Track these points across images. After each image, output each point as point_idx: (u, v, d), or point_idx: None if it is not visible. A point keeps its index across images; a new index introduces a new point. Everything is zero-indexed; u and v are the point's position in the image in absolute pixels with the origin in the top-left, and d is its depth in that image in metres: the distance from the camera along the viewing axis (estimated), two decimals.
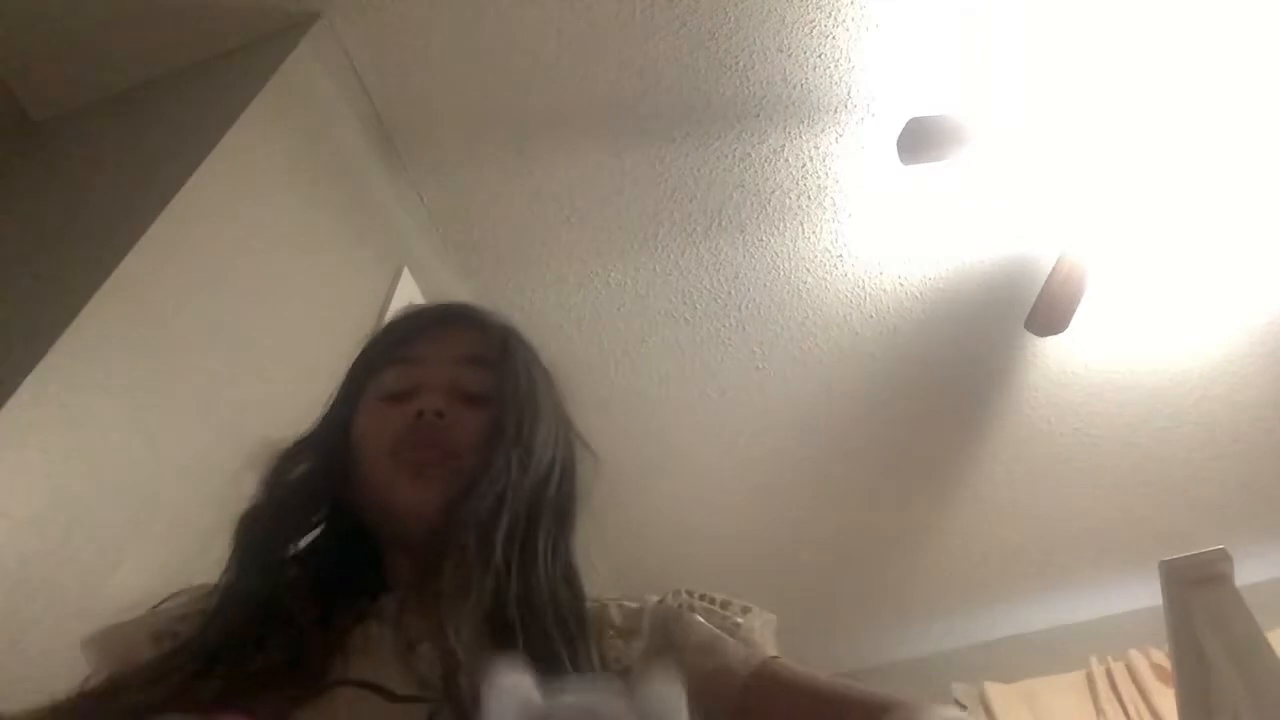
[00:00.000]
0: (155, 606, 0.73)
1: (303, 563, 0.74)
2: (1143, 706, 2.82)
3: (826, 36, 1.87)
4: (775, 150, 2.05)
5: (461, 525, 0.67)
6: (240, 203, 1.51)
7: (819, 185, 2.12)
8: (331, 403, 0.83)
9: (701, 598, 0.74)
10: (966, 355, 2.51)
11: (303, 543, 0.77)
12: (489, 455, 0.72)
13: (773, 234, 2.21)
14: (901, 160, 1.82)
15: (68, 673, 0.66)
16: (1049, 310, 2.08)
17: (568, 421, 0.83)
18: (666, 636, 0.68)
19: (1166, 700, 2.69)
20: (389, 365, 0.79)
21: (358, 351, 0.85)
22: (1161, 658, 2.84)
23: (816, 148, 2.05)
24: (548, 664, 0.61)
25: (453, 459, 0.73)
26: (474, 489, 0.70)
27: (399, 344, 0.81)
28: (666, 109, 1.97)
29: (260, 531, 0.74)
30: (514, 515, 0.70)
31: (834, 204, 2.16)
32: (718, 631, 0.69)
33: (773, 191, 2.13)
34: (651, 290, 2.31)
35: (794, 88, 1.95)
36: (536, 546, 0.71)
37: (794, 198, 2.14)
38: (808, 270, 2.29)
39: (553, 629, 0.65)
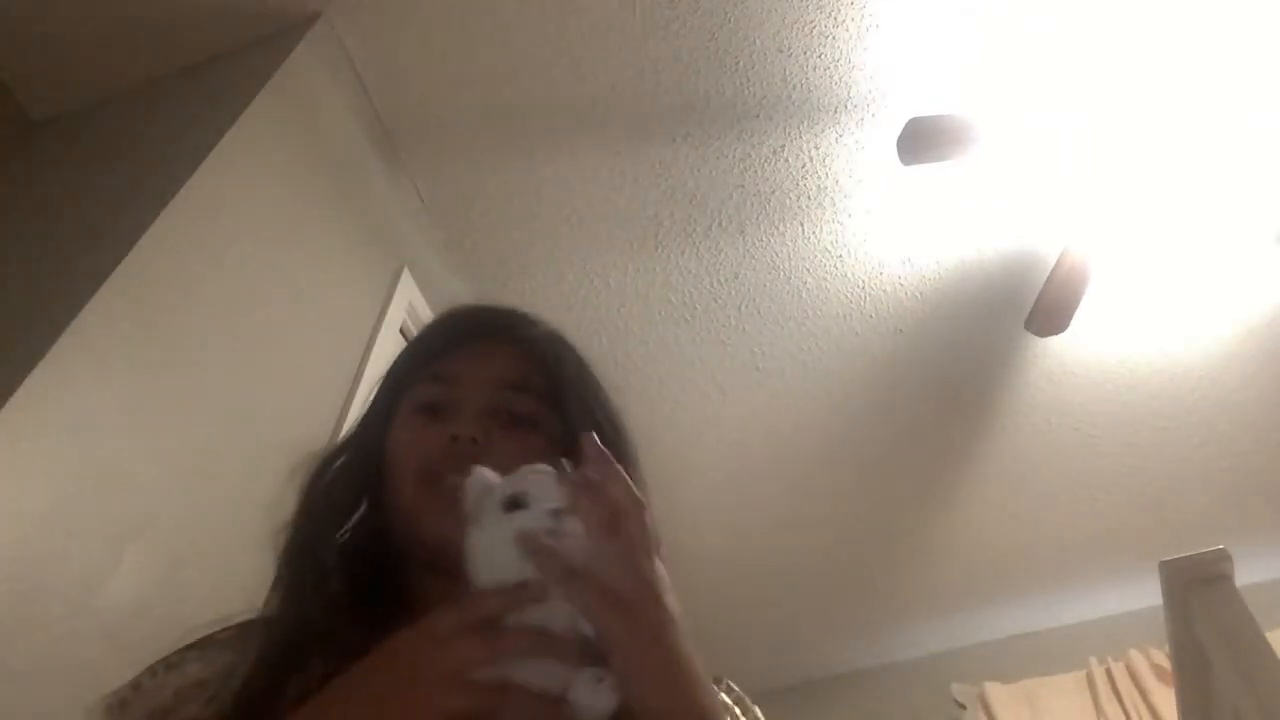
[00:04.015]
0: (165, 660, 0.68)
1: (341, 575, 0.71)
2: (1143, 706, 2.82)
3: (826, 37, 1.87)
4: (775, 150, 2.05)
5: None
6: (240, 203, 1.51)
7: (819, 185, 2.12)
8: (366, 409, 0.80)
9: (737, 702, 0.74)
10: (966, 355, 2.51)
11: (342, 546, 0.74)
12: None
13: (773, 234, 2.21)
14: (901, 160, 1.82)
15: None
16: (1049, 310, 2.08)
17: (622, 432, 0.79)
18: None
19: (1166, 700, 2.69)
20: (425, 380, 0.75)
21: (395, 355, 0.82)
22: (1161, 658, 2.84)
23: (816, 148, 2.05)
24: None
25: None
26: None
27: (436, 356, 0.77)
28: (666, 109, 1.97)
29: (299, 548, 0.71)
30: None
31: (834, 204, 2.16)
32: None
33: (773, 192, 2.13)
34: (651, 290, 2.31)
35: (794, 88, 1.95)
36: None
37: (794, 198, 2.14)
38: (808, 270, 2.29)
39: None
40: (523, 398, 0.74)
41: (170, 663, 0.66)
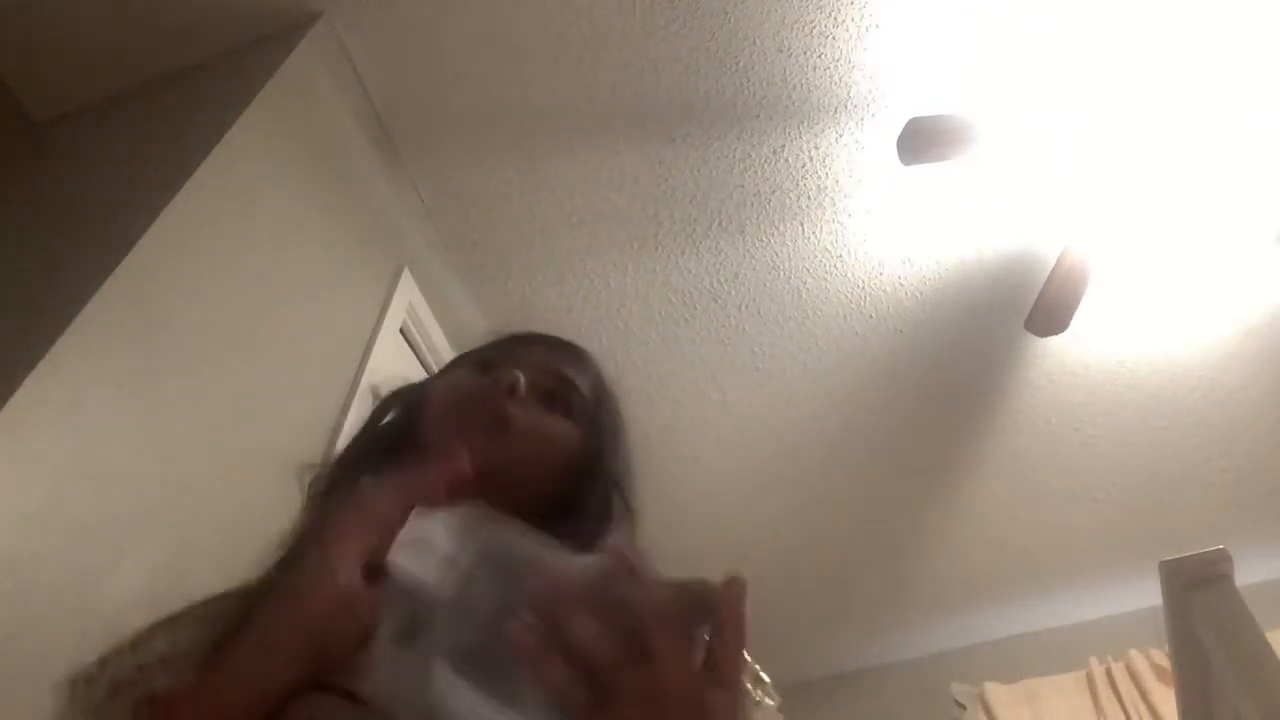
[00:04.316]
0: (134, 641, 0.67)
1: None
2: (1143, 706, 2.82)
3: (826, 37, 1.87)
4: (775, 150, 2.05)
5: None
6: (240, 203, 1.51)
7: (819, 185, 2.12)
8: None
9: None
10: (966, 355, 2.51)
11: None
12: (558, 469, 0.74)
13: (773, 234, 2.21)
14: (901, 160, 1.82)
15: (67, 672, 0.65)
16: (1049, 310, 2.08)
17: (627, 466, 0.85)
18: None
19: (1166, 700, 2.69)
20: (487, 348, 0.85)
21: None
22: (1161, 658, 2.84)
23: (816, 148, 2.05)
24: None
25: (501, 429, 0.72)
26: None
27: (505, 344, 0.86)
28: (666, 109, 1.97)
29: (323, 487, 0.75)
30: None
31: (833, 204, 2.16)
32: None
33: (773, 191, 2.13)
34: (651, 290, 2.31)
35: (794, 88, 1.95)
36: None
37: (794, 198, 2.14)
38: (808, 270, 2.29)
39: None
40: (565, 393, 0.80)
41: (137, 640, 0.66)
